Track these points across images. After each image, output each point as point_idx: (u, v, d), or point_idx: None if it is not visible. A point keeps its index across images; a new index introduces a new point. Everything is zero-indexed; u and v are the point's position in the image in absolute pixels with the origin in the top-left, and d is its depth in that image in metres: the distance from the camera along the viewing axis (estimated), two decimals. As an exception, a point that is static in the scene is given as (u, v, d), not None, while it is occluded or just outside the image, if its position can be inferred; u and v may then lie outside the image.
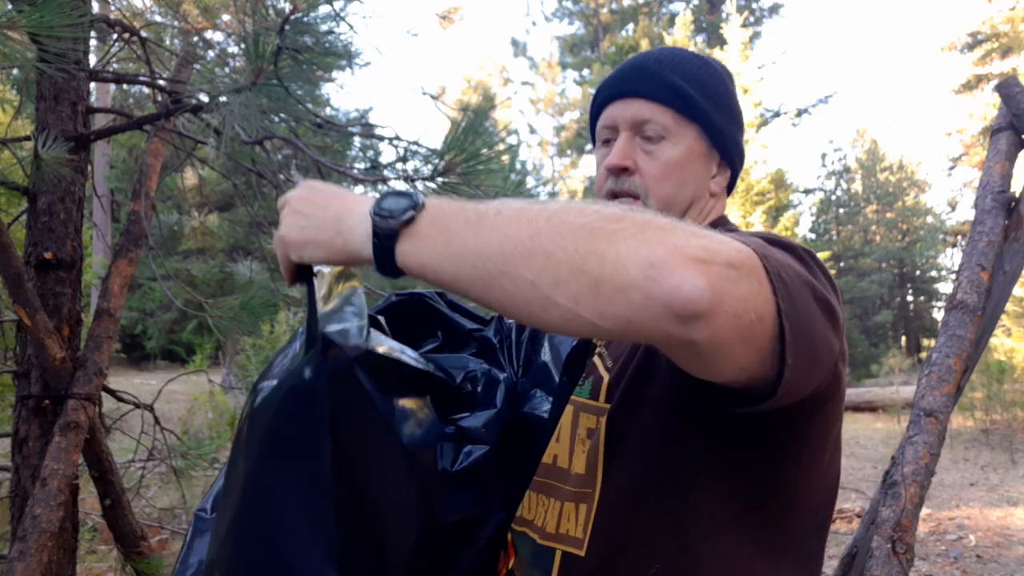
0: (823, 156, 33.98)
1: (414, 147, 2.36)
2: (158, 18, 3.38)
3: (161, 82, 2.52)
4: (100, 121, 4.43)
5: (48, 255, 2.18)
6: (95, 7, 2.92)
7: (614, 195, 0.94)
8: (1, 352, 2.96)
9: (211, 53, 3.38)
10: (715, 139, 0.96)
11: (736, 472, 0.79)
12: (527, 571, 0.89)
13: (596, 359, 0.94)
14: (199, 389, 8.53)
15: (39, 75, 2.16)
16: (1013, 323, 11.84)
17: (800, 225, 20.45)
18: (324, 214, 0.74)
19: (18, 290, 1.98)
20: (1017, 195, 2.15)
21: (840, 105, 43.50)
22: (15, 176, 2.59)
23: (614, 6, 28.17)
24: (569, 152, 31.88)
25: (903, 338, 26.97)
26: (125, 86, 4.90)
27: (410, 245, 0.67)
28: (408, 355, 0.93)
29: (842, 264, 26.67)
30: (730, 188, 1.03)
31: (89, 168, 2.45)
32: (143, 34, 2.57)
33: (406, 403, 0.88)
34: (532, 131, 34.27)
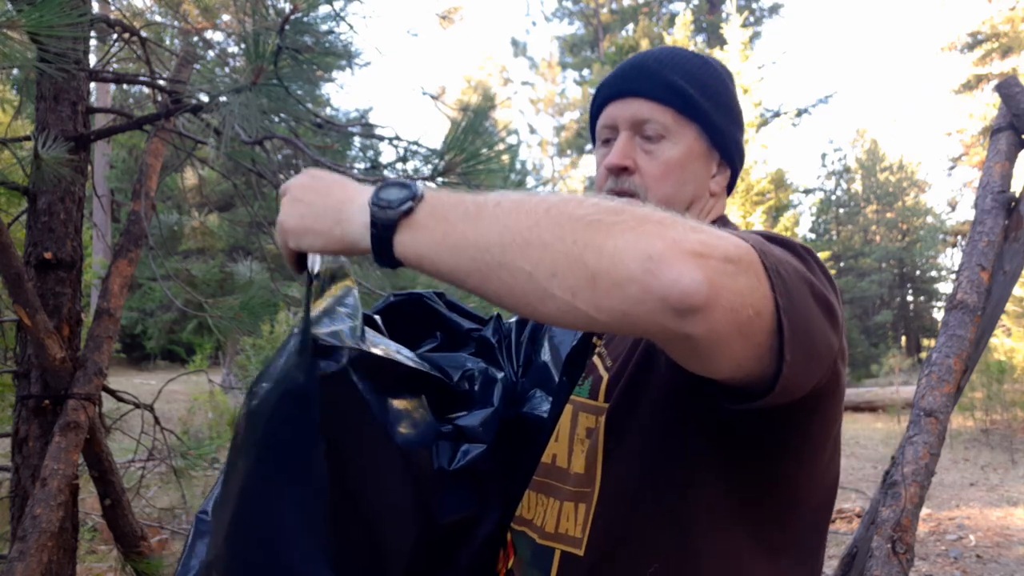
0: (823, 156, 33.99)
1: (414, 147, 2.36)
2: (158, 18, 3.38)
3: (161, 82, 2.52)
4: (100, 121, 4.43)
5: (48, 255, 2.18)
6: (95, 7, 2.92)
7: (614, 195, 0.94)
8: (1, 352, 2.96)
9: (211, 53, 3.38)
10: (715, 139, 0.96)
11: (735, 469, 0.79)
12: (526, 571, 0.89)
13: (596, 359, 0.94)
14: (199, 389, 8.53)
15: (39, 75, 2.16)
16: (1013, 323, 11.84)
17: (800, 225, 20.46)
18: (324, 202, 0.74)
19: (18, 290, 1.98)
20: (1017, 195, 2.15)
21: (840, 105, 43.60)
22: (15, 176, 2.59)
23: (614, 6, 28.18)
24: (569, 152, 31.89)
25: (903, 338, 26.96)
26: (125, 86, 4.91)
27: (408, 236, 0.67)
28: (404, 355, 0.92)
29: (842, 264, 26.67)
30: (730, 188, 1.03)
31: (89, 168, 2.45)
32: (143, 34, 2.57)
33: (401, 403, 0.88)
34: (532, 131, 34.31)
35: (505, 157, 2.34)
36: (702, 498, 0.79)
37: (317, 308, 0.83)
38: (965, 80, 20.82)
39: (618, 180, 0.94)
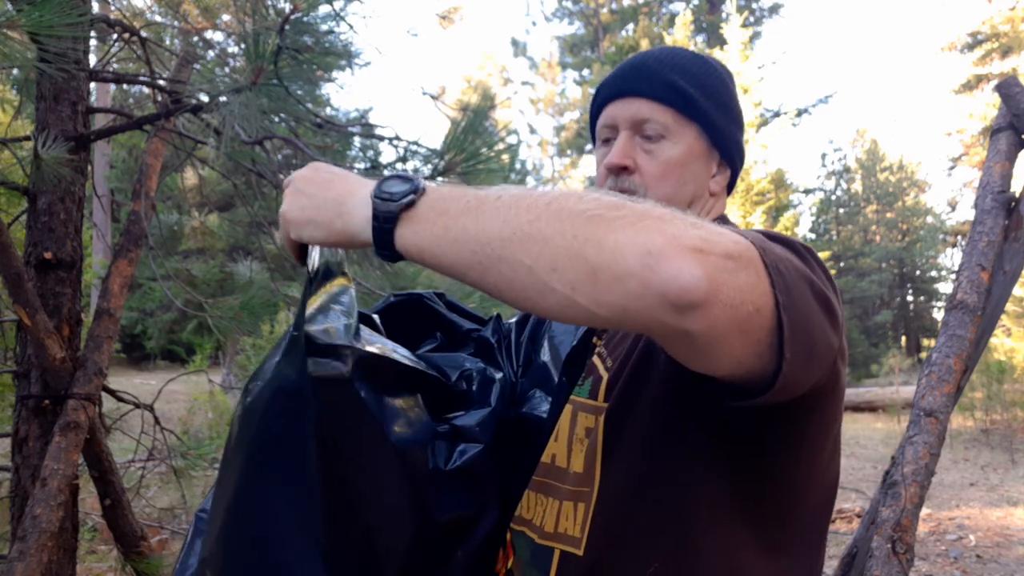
0: (823, 156, 34.03)
1: (414, 147, 2.37)
2: (158, 18, 3.38)
3: (161, 82, 2.52)
4: (100, 121, 4.43)
5: (48, 255, 2.18)
6: (95, 7, 2.92)
7: None
8: (1, 352, 2.96)
9: (211, 53, 3.38)
10: (715, 138, 0.96)
11: (735, 467, 0.79)
12: (526, 570, 0.89)
13: (596, 359, 0.94)
14: (199, 389, 8.53)
15: (39, 75, 2.16)
16: (1013, 323, 11.84)
17: (800, 225, 20.46)
18: (326, 194, 0.75)
19: (18, 290, 1.98)
20: (1017, 195, 2.15)
21: (840, 105, 43.61)
22: (15, 176, 2.59)
23: (614, 6, 28.18)
24: (569, 152, 31.88)
25: (903, 338, 26.96)
26: (125, 86, 4.90)
27: (409, 229, 0.67)
28: (400, 353, 0.92)
29: (842, 264, 26.67)
30: (730, 187, 1.03)
31: (89, 168, 2.45)
32: (143, 34, 2.57)
33: (396, 402, 0.87)
34: (532, 131, 34.32)
35: (505, 157, 2.34)
36: (702, 496, 0.79)
37: (312, 306, 0.83)
38: (965, 80, 20.81)
39: (618, 180, 0.94)
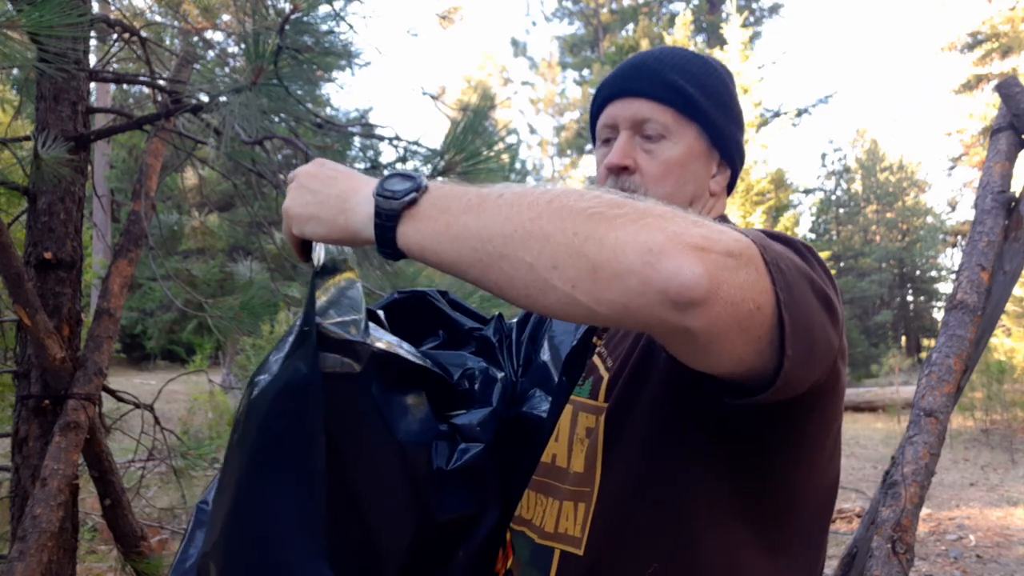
0: (823, 156, 34.01)
1: (414, 147, 2.37)
2: (158, 18, 3.38)
3: (161, 82, 2.52)
4: (100, 121, 4.43)
5: (48, 255, 2.18)
6: (95, 7, 2.92)
7: None
8: (1, 352, 2.96)
9: (211, 53, 3.38)
10: (715, 138, 0.96)
11: (735, 466, 0.79)
12: (525, 570, 0.89)
13: (596, 359, 0.94)
14: (199, 389, 8.53)
15: (39, 75, 2.16)
16: (1013, 323, 11.84)
17: (800, 225, 20.45)
18: (329, 191, 0.75)
19: (18, 290, 1.98)
20: (1017, 195, 2.15)
21: (840, 105, 43.62)
22: (15, 176, 2.59)
23: (614, 6, 28.18)
24: (569, 152, 31.89)
25: (903, 338, 26.96)
26: (125, 86, 4.90)
27: (411, 226, 0.67)
28: (405, 349, 0.92)
29: (842, 264, 26.67)
30: (730, 187, 1.03)
31: (89, 168, 2.45)
32: (143, 34, 2.57)
33: (402, 398, 0.87)
34: (532, 131, 34.33)
35: (505, 157, 2.34)
36: (701, 495, 0.79)
37: (322, 299, 0.83)
38: (965, 80, 20.82)
39: (618, 179, 0.94)
